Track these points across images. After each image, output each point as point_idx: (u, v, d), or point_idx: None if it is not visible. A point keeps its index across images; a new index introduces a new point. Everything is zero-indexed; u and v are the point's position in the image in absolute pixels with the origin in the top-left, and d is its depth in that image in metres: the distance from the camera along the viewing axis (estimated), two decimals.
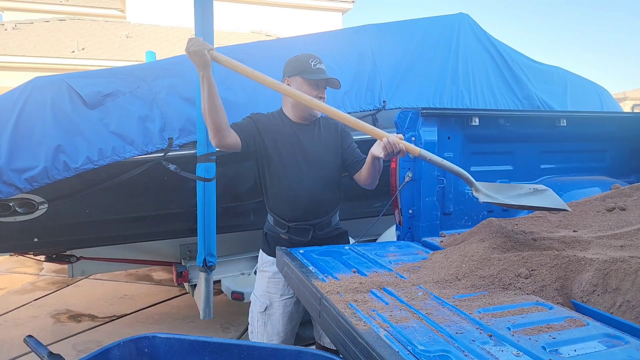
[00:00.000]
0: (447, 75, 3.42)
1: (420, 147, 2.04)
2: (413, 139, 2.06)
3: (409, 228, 2.12)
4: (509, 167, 2.48)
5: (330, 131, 2.09)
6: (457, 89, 3.44)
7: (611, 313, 1.17)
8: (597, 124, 2.64)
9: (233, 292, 2.98)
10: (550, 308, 1.18)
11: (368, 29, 3.24)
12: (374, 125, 3.12)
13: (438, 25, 3.50)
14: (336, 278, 1.42)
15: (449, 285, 1.34)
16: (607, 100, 4.79)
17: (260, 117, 2.00)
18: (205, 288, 2.61)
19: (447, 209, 2.22)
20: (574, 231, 1.85)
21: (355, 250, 1.80)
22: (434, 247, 1.91)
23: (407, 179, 2.07)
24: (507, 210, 2.46)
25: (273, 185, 1.96)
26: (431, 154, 1.69)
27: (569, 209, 1.70)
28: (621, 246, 1.46)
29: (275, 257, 1.88)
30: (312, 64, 1.97)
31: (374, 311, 1.14)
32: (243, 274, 3.20)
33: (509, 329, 1.05)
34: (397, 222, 2.17)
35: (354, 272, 1.49)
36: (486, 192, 1.67)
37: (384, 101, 3.11)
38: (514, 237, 1.64)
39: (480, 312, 1.14)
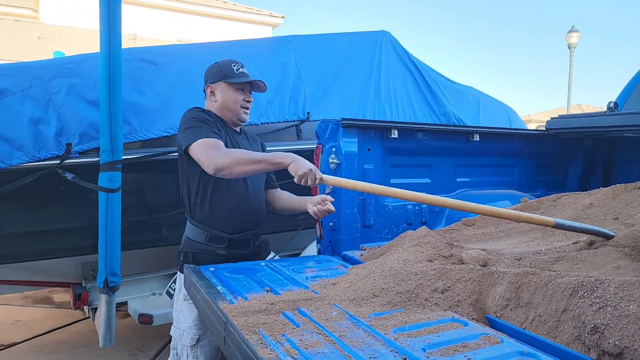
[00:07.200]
0: (370, 90, 3.46)
1: (341, 158, 2.02)
2: (334, 149, 2.01)
3: (330, 241, 2.05)
4: (427, 180, 2.52)
5: (256, 143, 2.06)
6: (379, 103, 3.49)
7: (524, 328, 1.16)
8: (505, 140, 2.78)
9: (140, 315, 2.68)
10: (466, 325, 1.15)
11: (292, 39, 3.19)
12: (298, 137, 3.07)
13: (361, 40, 3.54)
14: (246, 299, 1.29)
15: (365, 302, 1.27)
16: (515, 120, 5.17)
17: (213, 119, 1.84)
18: (107, 312, 2.33)
19: (368, 222, 2.18)
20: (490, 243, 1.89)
21: (272, 266, 1.68)
22: (354, 262, 1.85)
23: (327, 191, 2.00)
24: (426, 222, 2.49)
25: (216, 196, 1.81)
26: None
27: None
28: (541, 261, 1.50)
29: None
30: (235, 68, 1.89)
31: (283, 336, 1.03)
32: (154, 294, 2.89)
33: (424, 349, 0.99)
34: (318, 236, 2.09)
35: (267, 291, 1.37)
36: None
37: (308, 112, 3.06)
38: (431, 250, 1.62)
39: (396, 332, 1.07)
